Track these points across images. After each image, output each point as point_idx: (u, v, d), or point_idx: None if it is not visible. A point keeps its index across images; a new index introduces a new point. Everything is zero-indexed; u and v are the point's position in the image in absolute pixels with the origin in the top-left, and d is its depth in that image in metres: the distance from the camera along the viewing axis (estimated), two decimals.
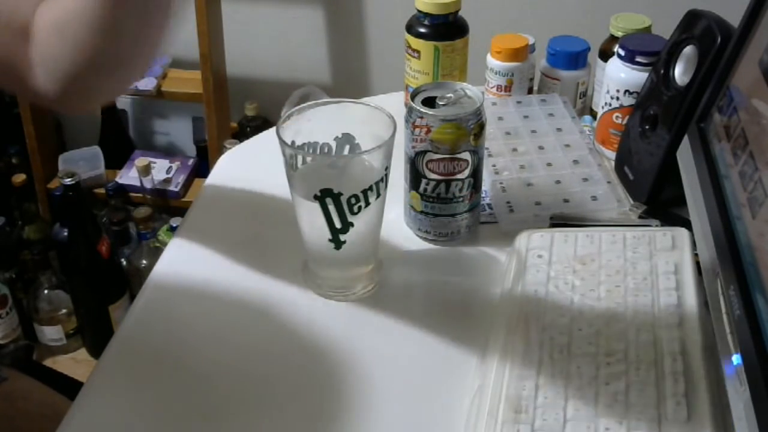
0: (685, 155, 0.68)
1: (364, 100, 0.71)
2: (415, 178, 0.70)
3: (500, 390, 0.56)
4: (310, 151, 0.66)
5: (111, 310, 1.66)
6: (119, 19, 0.55)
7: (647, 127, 0.77)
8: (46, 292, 1.69)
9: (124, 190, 1.80)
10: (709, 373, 0.55)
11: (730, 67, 0.64)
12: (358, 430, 0.57)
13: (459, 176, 0.69)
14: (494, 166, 0.82)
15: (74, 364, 1.73)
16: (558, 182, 0.80)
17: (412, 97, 0.69)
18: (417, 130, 0.67)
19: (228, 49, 1.74)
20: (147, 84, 1.72)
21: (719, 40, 0.69)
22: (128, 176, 1.82)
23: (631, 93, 0.81)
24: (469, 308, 0.67)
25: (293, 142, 0.64)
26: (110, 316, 1.67)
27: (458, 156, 0.68)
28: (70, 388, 0.87)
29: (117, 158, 1.88)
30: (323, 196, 0.62)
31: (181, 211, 1.55)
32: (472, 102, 0.68)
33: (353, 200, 0.62)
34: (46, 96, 0.60)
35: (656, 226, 0.72)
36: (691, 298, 0.61)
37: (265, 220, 0.78)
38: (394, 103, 0.93)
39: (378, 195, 0.64)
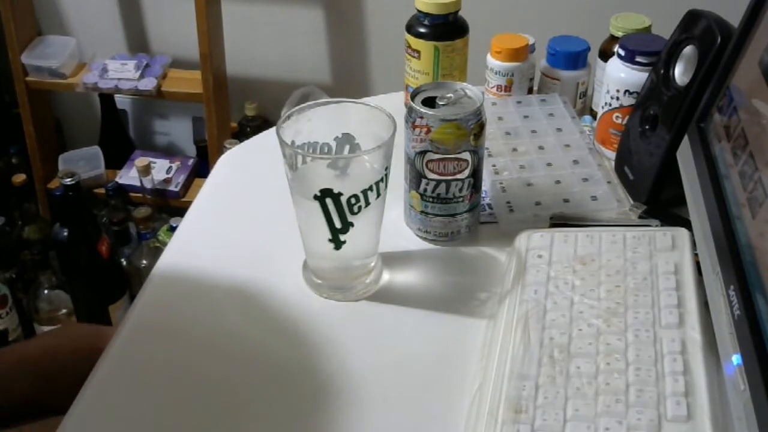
0: (685, 155, 0.68)
1: (364, 100, 0.71)
2: (415, 178, 0.70)
3: (500, 390, 0.56)
4: (310, 151, 0.66)
5: (111, 310, 1.66)
6: None
7: (647, 127, 0.77)
8: (46, 292, 1.69)
9: (124, 190, 1.79)
10: (709, 373, 0.55)
11: (730, 67, 0.64)
12: (359, 429, 0.58)
13: (459, 176, 0.69)
14: (494, 166, 0.82)
15: None
16: (558, 182, 0.80)
17: (412, 97, 0.69)
18: (417, 130, 0.67)
19: (228, 49, 1.74)
20: (147, 84, 1.71)
21: (719, 40, 0.69)
22: (128, 176, 1.82)
23: (631, 93, 0.81)
24: (469, 308, 0.67)
25: (293, 142, 0.64)
26: (110, 316, 1.66)
27: (458, 156, 0.68)
28: None
29: (117, 158, 1.88)
30: (323, 196, 0.62)
31: (181, 211, 1.55)
32: (472, 102, 0.68)
33: (353, 200, 0.62)
34: None
35: (656, 226, 0.72)
36: (691, 298, 0.60)
37: (265, 220, 0.78)
38: (394, 103, 0.93)
39: (378, 195, 0.64)
